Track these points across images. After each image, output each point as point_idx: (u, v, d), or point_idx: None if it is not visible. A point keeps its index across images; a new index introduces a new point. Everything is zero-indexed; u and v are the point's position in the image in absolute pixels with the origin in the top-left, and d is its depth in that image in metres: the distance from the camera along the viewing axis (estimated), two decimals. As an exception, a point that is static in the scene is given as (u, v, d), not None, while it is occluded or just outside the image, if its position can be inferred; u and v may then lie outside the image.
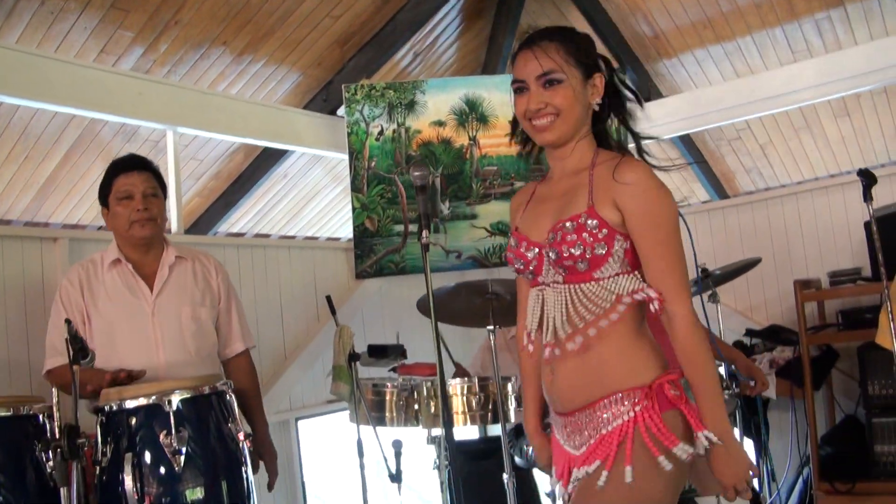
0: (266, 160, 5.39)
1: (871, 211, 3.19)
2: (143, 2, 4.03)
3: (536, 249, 2.11)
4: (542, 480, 4.75)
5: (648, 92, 5.91)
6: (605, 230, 1.99)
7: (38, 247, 3.83)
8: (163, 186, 3.29)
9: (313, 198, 6.17)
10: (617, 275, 2.02)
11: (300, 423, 4.75)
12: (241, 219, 5.84)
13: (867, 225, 3.16)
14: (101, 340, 3.02)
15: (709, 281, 4.29)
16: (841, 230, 5.39)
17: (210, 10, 4.27)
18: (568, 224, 2.02)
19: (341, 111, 5.19)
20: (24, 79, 3.72)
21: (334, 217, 6.51)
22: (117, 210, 3.13)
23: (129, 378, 2.81)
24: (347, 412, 3.73)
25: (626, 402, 1.99)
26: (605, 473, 1.97)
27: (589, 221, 2.00)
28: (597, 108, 2.15)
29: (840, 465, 4.53)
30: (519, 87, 2.14)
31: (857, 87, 5.40)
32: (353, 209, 5.03)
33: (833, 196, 5.44)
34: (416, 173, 2.50)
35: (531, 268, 2.13)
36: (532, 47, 2.11)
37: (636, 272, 2.05)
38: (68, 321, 2.43)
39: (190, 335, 3.14)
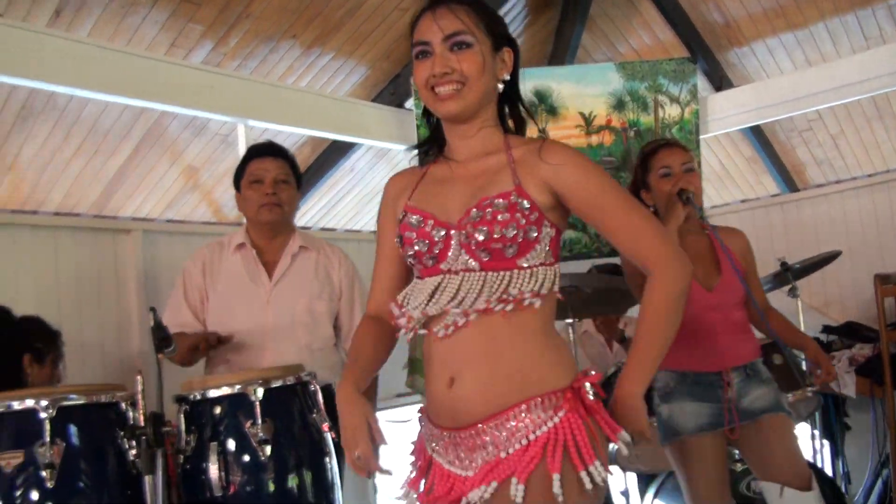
0: (333, 153, 5.39)
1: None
2: (214, -5, 4.04)
3: (444, 231, 1.86)
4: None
5: (720, 81, 5.80)
6: (535, 213, 1.81)
7: (112, 238, 3.88)
8: (297, 176, 3.34)
9: (378, 192, 6.14)
10: (542, 265, 1.83)
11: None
12: (307, 212, 5.84)
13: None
14: (216, 321, 3.05)
15: (788, 275, 4.21)
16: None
17: (280, 3, 4.26)
18: (499, 201, 1.81)
19: (409, 104, 5.16)
20: (96, 72, 3.75)
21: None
22: (248, 194, 3.19)
23: (218, 341, 2.84)
24: (421, 405, 3.70)
25: (546, 408, 1.76)
26: (520, 487, 1.71)
27: (520, 201, 1.81)
28: (501, 87, 1.95)
29: (922, 467, 4.43)
30: (422, 51, 1.90)
31: (940, 73, 5.27)
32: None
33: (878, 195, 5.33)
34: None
35: (435, 251, 1.87)
36: (439, 7, 1.90)
37: (557, 265, 1.88)
38: (153, 309, 2.43)
39: (303, 327, 3.15)
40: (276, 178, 3.22)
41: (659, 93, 5.52)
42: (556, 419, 1.75)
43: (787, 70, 5.72)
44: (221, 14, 4.14)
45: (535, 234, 1.81)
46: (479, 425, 1.78)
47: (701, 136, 5.64)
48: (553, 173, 1.84)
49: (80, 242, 3.79)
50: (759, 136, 6.11)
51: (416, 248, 1.89)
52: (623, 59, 5.91)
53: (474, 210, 1.83)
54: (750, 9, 5.38)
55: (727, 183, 6.60)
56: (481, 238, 1.79)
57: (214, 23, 4.18)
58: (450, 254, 1.85)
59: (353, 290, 3.35)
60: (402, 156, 5.83)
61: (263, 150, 3.33)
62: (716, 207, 6.57)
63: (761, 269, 6.32)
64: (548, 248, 1.85)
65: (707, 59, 5.69)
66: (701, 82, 5.70)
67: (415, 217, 1.91)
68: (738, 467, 3.80)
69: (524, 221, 1.79)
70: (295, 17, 4.41)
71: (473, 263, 1.82)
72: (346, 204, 6.14)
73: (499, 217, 1.79)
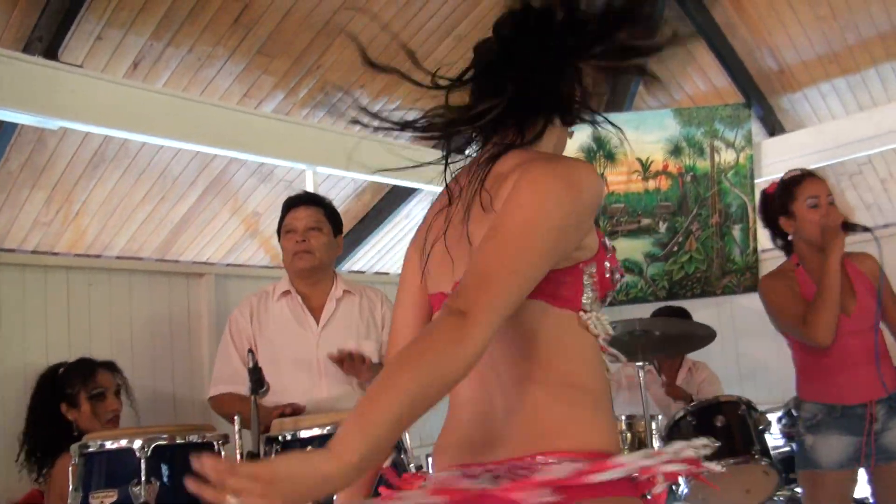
0: (393, 200, 5.48)
1: None
2: (288, 47, 4.16)
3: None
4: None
5: (773, 127, 5.84)
6: None
7: (185, 282, 3.97)
8: (334, 222, 3.39)
9: (430, 239, 6.22)
10: None
11: (429, 459, 4.73)
12: (364, 256, 5.92)
13: None
14: (267, 368, 3.09)
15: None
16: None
17: (352, 54, 4.36)
18: None
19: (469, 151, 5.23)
20: (169, 120, 3.88)
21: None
22: (283, 243, 3.28)
23: (293, 412, 2.87)
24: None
25: None
26: None
27: None
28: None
29: None
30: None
31: None
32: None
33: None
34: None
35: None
36: None
37: None
38: (251, 351, 2.50)
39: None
40: (308, 226, 3.31)
41: (715, 138, 5.57)
42: None
43: (838, 115, 5.75)
44: (294, 65, 4.26)
45: None
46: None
47: (756, 181, 5.68)
48: None
49: (153, 285, 3.87)
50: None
51: (616, 279, 1.59)
52: (679, 105, 5.97)
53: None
54: (803, 55, 5.43)
55: (778, 228, 6.61)
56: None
57: (287, 74, 4.31)
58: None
59: None
60: (458, 203, 5.91)
61: (298, 201, 3.44)
62: (765, 251, 6.56)
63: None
64: None
65: (761, 104, 5.73)
66: (755, 127, 5.74)
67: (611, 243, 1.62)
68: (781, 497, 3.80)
69: None
70: (363, 69, 4.50)
71: None
72: (400, 250, 6.22)
73: None
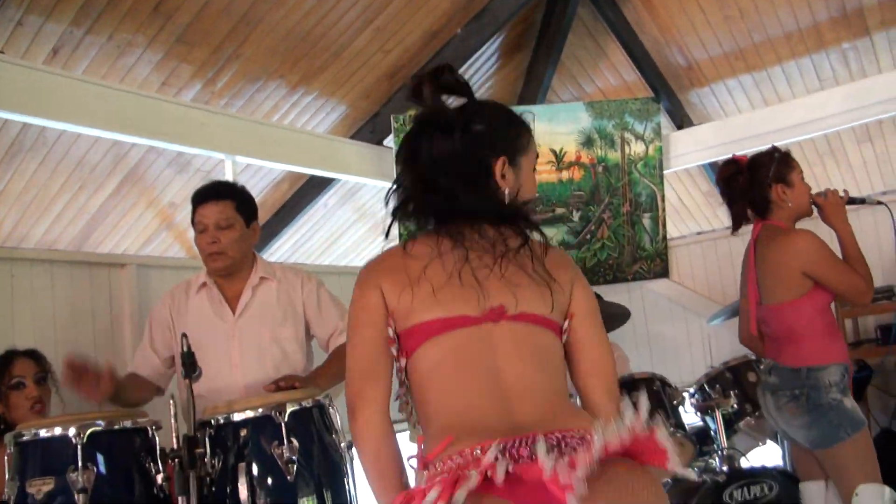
0: (310, 190, 5.50)
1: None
2: (207, 36, 4.15)
3: None
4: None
5: (681, 120, 6.04)
6: None
7: (107, 273, 3.96)
8: (246, 211, 3.36)
9: (346, 230, 6.27)
10: None
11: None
12: (281, 246, 5.93)
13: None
14: None
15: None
16: (871, 250, 5.51)
17: (270, 44, 4.39)
18: None
19: (388, 141, 5.31)
20: (89, 109, 3.83)
21: (367, 249, 6.58)
22: (197, 241, 3.24)
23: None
24: (408, 432, 3.78)
25: None
26: None
27: None
28: None
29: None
30: None
31: (882, 114, 5.54)
32: (400, 235, 5.12)
33: (863, 218, 5.59)
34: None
35: None
36: None
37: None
38: (185, 335, 2.52)
39: (270, 358, 3.22)
40: (218, 225, 3.23)
41: (625, 130, 5.73)
42: None
43: (744, 109, 5.98)
44: (213, 54, 4.26)
45: None
46: None
47: (664, 171, 5.88)
48: None
49: (75, 276, 3.86)
50: (716, 171, 6.35)
51: None
52: (591, 98, 6.13)
53: None
54: (711, 52, 5.62)
55: (684, 216, 6.83)
56: None
57: (205, 63, 4.30)
58: None
59: (319, 299, 3.40)
60: (370, 195, 5.96)
61: (206, 196, 3.33)
62: (673, 240, 6.77)
63: (719, 296, 6.54)
64: None
65: (670, 98, 5.92)
66: (664, 121, 5.93)
67: None
68: (722, 478, 3.95)
69: None
70: (283, 59, 4.54)
71: None
72: (317, 240, 6.25)
73: None
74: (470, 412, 1.72)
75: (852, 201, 3.33)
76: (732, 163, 3.66)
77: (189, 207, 3.40)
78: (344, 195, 5.92)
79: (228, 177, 4.48)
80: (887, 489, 3.22)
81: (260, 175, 5.23)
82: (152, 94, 4.17)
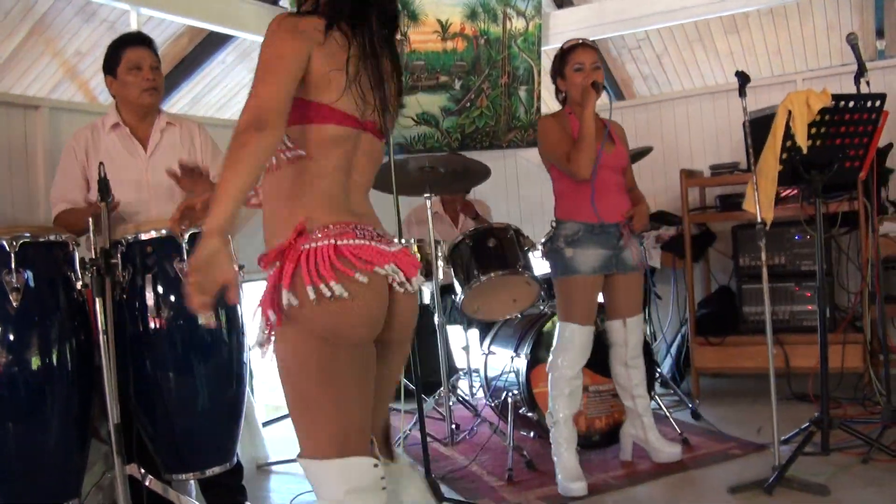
0: (208, 47, 5.77)
1: (745, 105, 3.78)
2: None
3: None
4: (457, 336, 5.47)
5: (561, 1, 6.42)
6: None
7: (22, 114, 4.26)
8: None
9: (244, 88, 6.54)
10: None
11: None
12: (180, 100, 6.20)
13: (744, 124, 3.79)
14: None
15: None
16: (724, 131, 6.16)
17: None
18: None
19: (283, 2, 5.63)
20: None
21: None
22: (127, 79, 3.58)
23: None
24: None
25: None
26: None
27: None
28: None
29: (713, 324, 5.39)
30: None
31: (747, 6, 6.08)
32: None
33: (718, 102, 6.19)
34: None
35: None
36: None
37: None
38: (102, 164, 2.95)
39: (178, 190, 3.63)
40: (153, 65, 3.63)
41: (507, 6, 6.13)
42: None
43: (620, -8, 6.43)
44: None
45: None
46: None
47: (542, 48, 6.33)
48: None
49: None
50: (593, 50, 6.82)
51: None
52: (477, -28, 6.46)
53: None
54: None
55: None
56: None
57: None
58: None
59: (212, 147, 3.80)
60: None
61: (139, 40, 3.67)
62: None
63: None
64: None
65: (551, -22, 6.30)
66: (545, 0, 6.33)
67: None
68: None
69: None
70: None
71: None
72: (215, 95, 6.54)
73: None
74: None
75: (594, 86, 3.83)
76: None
77: (95, 56, 3.64)
78: (241, 53, 6.20)
79: (133, 27, 4.74)
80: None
81: (161, 28, 5.46)
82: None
